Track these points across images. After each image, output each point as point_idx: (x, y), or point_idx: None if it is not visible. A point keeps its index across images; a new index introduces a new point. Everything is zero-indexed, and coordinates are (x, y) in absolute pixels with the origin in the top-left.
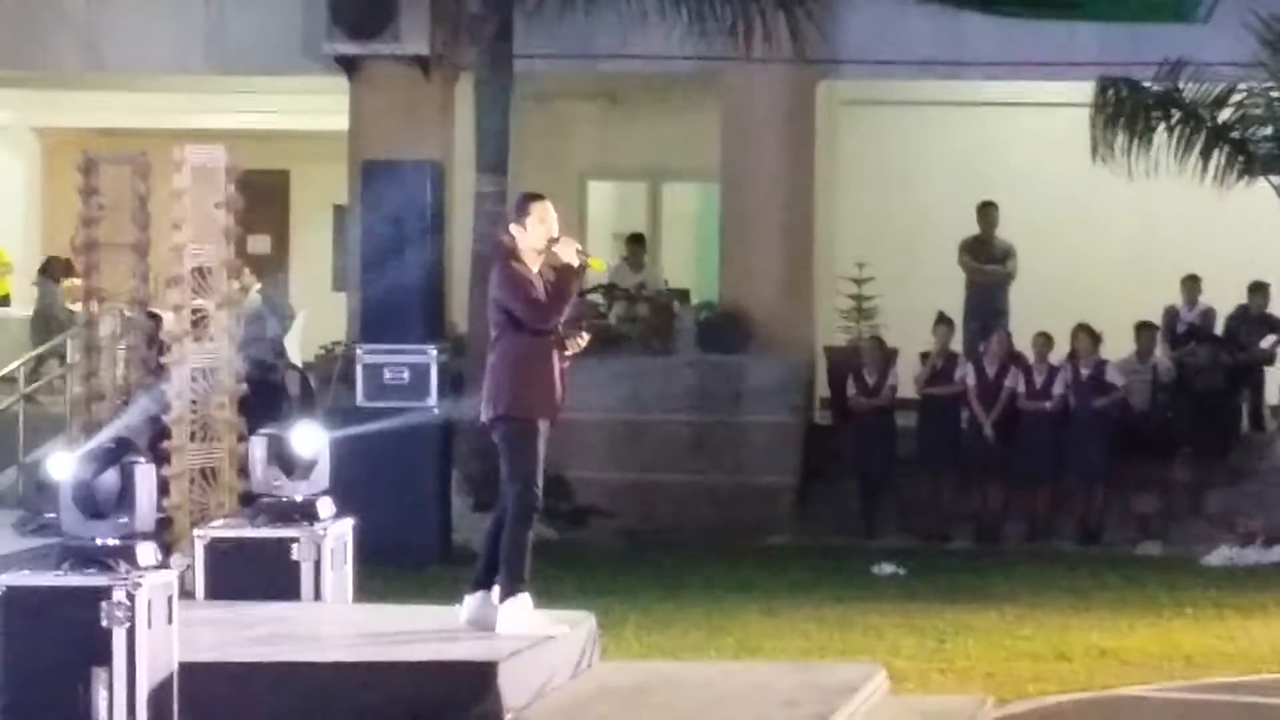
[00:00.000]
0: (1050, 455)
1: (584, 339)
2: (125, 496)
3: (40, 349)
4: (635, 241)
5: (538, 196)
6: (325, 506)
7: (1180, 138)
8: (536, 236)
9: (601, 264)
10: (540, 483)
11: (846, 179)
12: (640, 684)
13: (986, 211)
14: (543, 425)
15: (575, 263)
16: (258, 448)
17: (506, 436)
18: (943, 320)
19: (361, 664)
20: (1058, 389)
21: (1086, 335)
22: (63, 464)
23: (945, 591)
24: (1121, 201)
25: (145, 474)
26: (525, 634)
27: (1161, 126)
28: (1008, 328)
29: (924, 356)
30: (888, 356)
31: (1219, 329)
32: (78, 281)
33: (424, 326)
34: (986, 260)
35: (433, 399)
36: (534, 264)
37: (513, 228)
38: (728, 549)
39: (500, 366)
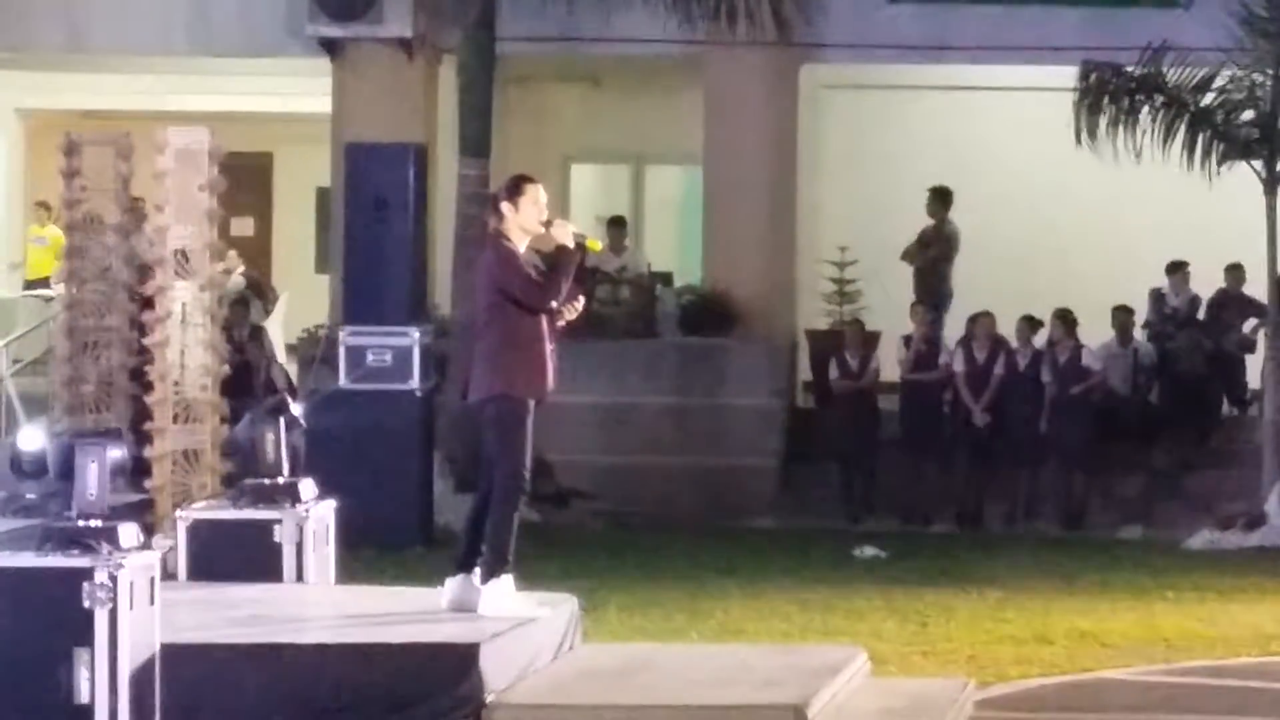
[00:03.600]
0: (1032, 439)
1: (579, 305)
2: (67, 472)
3: (22, 330)
4: (616, 224)
5: (530, 179)
6: (307, 488)
7: (1162, 122)
8: (529, 218)
9: (598, 245)
10: (528, 465)
11: (829, 163)
12: (622, 666)
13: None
14: (532, 406)
15: (571, 244)
16: (271, 430)
17: (498, 417)
18: (920, 302)
19: (343, 646)
20: (1045, 376)
21: (1060, 322)
22: (31, 438)
23: (927, 575)
24: (1103, 185)
25: (92, 452)
26: (507, 616)
27: (1144, 111)
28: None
29: (907, 340)
30: (869, 340)
31: (1200, 312)
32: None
33: (407, 308)
34: (936, 246)
35: (415, 381)
36: (520, 244)
37: (504, 206)
38: (710, 532)
39: (493, 347)
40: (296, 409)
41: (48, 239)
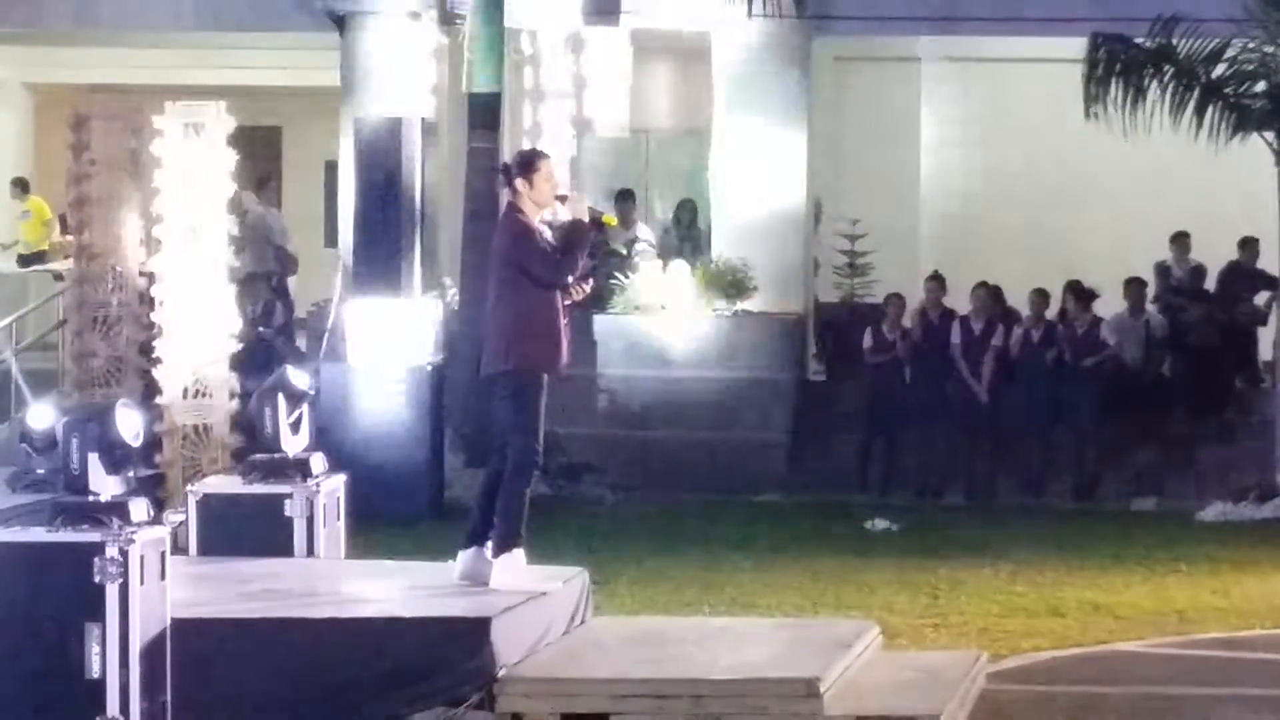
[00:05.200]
0: (1044, 410)
1: (587, 288)
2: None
3: (32, 306)
4: (625, 197)
5: (542, 154)
6: (318, 462)
7: (1174, 94)
8: (543, 193)
9: (614, 220)
10: (541, 438)
11: (840, 135)
12: (634, 639)
13: None
14: (545, 380)
15: (586, 219)
16: (268, 404)
17: (512, 391)
18: (934, 277)
19: (354, 620)
20: (1059, 347)
21: (1071, 295)
22: (41, 415)
23: (939, 547)
24: (1115, 157)
25: (76, 428)
26: (519, 589)
27: (1154, 83)
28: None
29: (922, 314)
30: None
31: (1211, 284)
32: (70, 238)
33: (416, 282)
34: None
35: (425, 354)
36: (533, 218)
37: (518, 182)
38: (721, 505)
39: (506, 320)
40: (303, 381)
41: (31, 211)
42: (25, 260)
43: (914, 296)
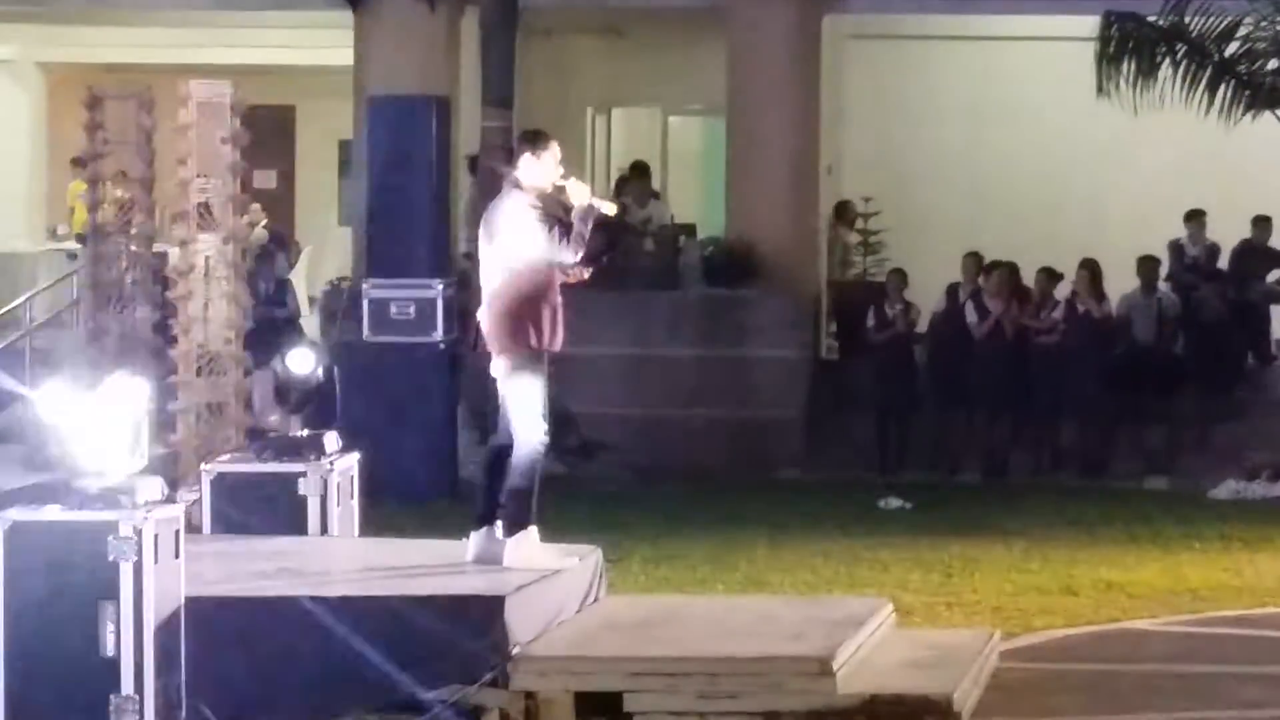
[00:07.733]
0: (1056, 389)
1: (586, 274)
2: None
3: (43, 286)
4: (641, 176)
5: (549, 135)
6: (331, 441)
7: (1186, 72)
8: (547, 171)
9: (613, 210)
10: (545, 414)
11: (853, 113)
12: (647, 618)
13: None
14: (546, 358)
15: (586, 203)
16: (259, 383)
17: (513, 369)
18: (971, 255)
19: (368, 598)
20: (1060, 322)
21: (1086, 273)
22: (53, 398)
23: (952, 526)
24: (1128, 135)
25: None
26: (532, 568)
27: (1167, 61)
28: None
29: (951, 291)
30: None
31: (1224, 262)
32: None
33: (430, 261)
34: None
35: (439, 333)
36: (532, 195)
37: (528, 155)
38: (734, 484)
39: (507, 299)
40: (307, 361)
41: None
42: (82, 239)
43: (926, 275)
